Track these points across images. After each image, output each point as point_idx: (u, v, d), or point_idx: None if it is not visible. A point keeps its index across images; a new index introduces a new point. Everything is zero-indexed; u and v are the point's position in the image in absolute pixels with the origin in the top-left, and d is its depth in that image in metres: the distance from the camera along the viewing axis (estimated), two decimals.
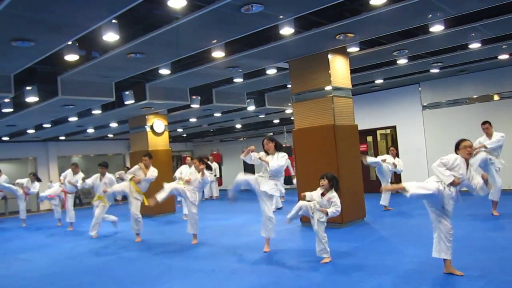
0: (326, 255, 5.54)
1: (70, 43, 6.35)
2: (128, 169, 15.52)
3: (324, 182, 5.54)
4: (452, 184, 4.50)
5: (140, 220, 8.32)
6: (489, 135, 8.06)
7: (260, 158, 6.40)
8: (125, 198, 17.34)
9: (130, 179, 8.32)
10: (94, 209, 9.11)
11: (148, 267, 6.14)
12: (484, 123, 8.15)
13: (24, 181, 11.78)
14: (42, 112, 10.33)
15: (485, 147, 7.90)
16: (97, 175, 9.22)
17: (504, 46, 8.88)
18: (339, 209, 5.49)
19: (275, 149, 6.47)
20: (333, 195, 5.52)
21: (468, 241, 6.00)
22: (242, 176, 6.70)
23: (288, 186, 7.02)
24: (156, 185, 8.21)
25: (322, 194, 5.58)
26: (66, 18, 5.31)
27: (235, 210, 10.86)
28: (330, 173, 5.72)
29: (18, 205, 12.16)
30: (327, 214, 5.46)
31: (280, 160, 6.35)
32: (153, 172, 8.38)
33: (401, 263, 5.24)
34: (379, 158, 9.87)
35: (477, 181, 4.57)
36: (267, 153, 6.50)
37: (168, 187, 7.53)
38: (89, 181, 9.34)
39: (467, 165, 4.60)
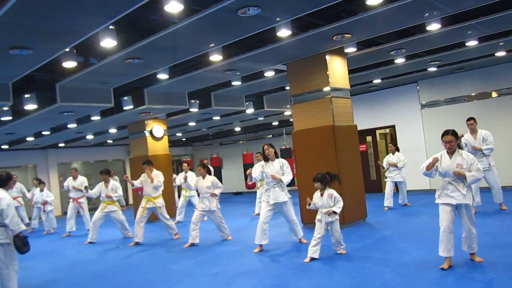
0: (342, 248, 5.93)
1: (67, 50, 6.35)
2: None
3: (317, 184, 5.85)
4: (428, 168, 4.87)
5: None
6: (474, 132, 8.08)
7: (272, 177, 6.56)
8: (127, 204, 17.52)
9: None
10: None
11: (151, 272, 6.13)
12: (469, 119, 8.18)
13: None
14: (41, 119, 10.32)
15: (481, 150, 7.93)
16: (101, 183, 9.19)
17: (501, 43, 8.89)
18: (342, 202, 5.76)
19: (275, 155, 6.80)
20: (331, 191, 5.79)
21: None
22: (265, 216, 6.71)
23: (289, 188, 7.10)
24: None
25: (321, 194, 5.84)
26: (63, 25, 5.32)
27: (232, 213, 10.78)
28: (320, 173, 5.94)
29: (39, 215, 11.96)
30: (335, 213, 5.69)
31: (286, 173, 6.64)
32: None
33: (404, 261, 5.23)
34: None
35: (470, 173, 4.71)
36: (267, 157, 6.79)
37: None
38: (94, 190, 9.19)
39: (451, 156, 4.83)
